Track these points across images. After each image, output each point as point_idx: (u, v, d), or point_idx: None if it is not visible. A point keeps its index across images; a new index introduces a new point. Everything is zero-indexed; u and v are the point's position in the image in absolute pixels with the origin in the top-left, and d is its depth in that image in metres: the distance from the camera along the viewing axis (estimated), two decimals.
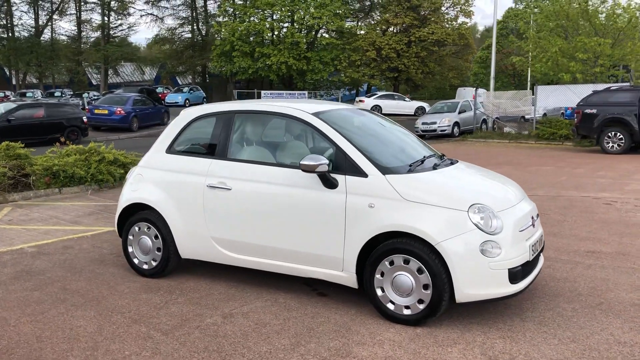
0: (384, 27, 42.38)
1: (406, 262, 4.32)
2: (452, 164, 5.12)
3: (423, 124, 24.60)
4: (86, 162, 10.84)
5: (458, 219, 4.22)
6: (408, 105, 38.26)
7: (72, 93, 45.30)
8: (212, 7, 53.35)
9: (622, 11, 20.06)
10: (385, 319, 4.47)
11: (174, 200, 5.36)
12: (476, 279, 4.17)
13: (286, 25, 42.23)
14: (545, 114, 27.10)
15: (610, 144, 17.27)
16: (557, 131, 20.73)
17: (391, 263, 4.38)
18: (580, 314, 4.58)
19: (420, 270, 4.27)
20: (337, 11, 40.85)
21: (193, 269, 5.83)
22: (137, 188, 5.63)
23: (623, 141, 17.08)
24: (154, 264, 5.57)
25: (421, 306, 4.30)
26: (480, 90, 43.60)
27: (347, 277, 4.62)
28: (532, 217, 4.71)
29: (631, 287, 5.19)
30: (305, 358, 3.88)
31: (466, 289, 4.18)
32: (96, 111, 25.16)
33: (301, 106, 5.12)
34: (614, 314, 4.58)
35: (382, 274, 4.43)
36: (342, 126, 4.89)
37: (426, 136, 24.04)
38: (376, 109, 37.39)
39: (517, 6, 58.37)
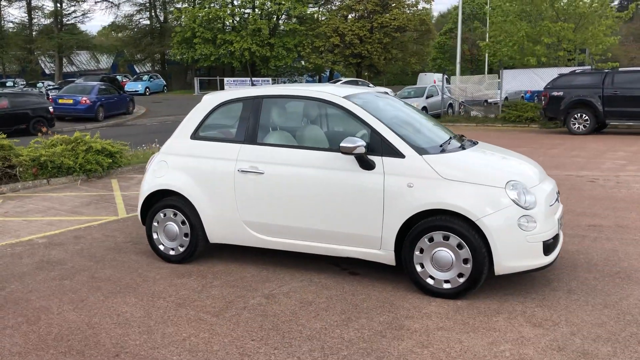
0: (346, 13, 42.51)
1: (446, 238, 4.51)
2: (475, 144, 5.33)
3: None
4: (73, 152, 10.64)
5: (496, 196, 4.44)
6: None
7: (24, 83, 43.81)
8: None
9: None
10: (424, 294, 4.66)
11: (202, 185, 5.41)
12: (514, 252, 4.40)
13: (248, 11, 41.88)
14: (507, 98, 27.80)
15: (577, 125, 17.94)
16: (523, 114, 21.35)
17: (430, 240, 4.56)
18: (602, 282, 4.88)
19: (460, 246, 4.47)
20: None
21: (218, 254, 5.90)
22: (161, 175, 5.64)
23: (588, 122, 17.77)
24: (182, 249, 5.61)
25: (461, 279, 4.51)
26: (438, 75, 44.45)
27: (385, 255, 4.78)
28: (557, 193, 4.98)
29: (636, 256, 5.52)
30: (361, 332, 4.03)
31: (505, 262, 4.40)
32: (60, 101, 24.47)
33: (330, 89, 5.24)
34: (633, 281, 4.89)
35: (422, 251, 4.61)
36: (372, 109, 5.03)
37: None
38: None
39: None
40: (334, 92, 5.16)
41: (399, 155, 4.68)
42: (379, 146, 4.74)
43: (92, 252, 6.13)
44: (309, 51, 40.60)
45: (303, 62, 41.72)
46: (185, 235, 5.57)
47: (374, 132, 4.79)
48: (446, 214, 4.52)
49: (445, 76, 43.71)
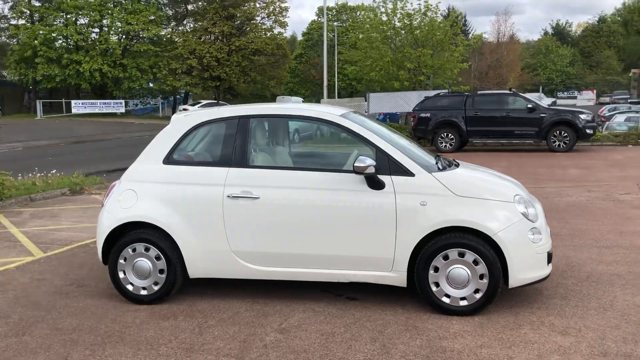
0: (201, 35, 41.87)
1: (461, 255, 4.53)
2: (458, 163, 5.44)
3: None
4: None
5: (508, 210, 4.56)
6: None
7: None
8: (1, 7, 47.61)
9: (438, 26, 22.54)
10: (439, 313, 4.61)
11: (183, 215, 4.89)
12: (526, 264, 4.55)
13: (95, 30, 39.51)
14: None
15: (444, 144, 19.27)
16: None
17: (445, 257, 4.55)
18: (583, 287, 5.21)
19: (475, 262, 4.51)
20: (151, 17, 39.32)
21: (188, 290, 5.34)
22: (129, 205, 5.01)
23: (454, 141, 19.18)
24: (156, 288, 5.01)
25: (477, 295, 4.54)
26: (298, 99, 45.51)
27: (396, 276, 4.68)
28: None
29: (595, 261, 6.00)
30: (410, 358, 3.87)
31: (519, 275, 4.52)
32: None
33: (323, 109, 5.05)
34: (607, 283, 5.29)
35: (436, 269, 4.58)
36: (370, 128, 4.93)
37: None
38: None
39: (320, 19, 61.69)
40: (330, 111, 4.99)
41: (408, 173, 4.63)
42: (386, 165, 4.64)
43: (33, 300, 5.25)
44: (165, 73, 39.24)
45: (162, 83, 40.07)
46: (161, 271, 4.99)
47: (379, 151, 4.69)
48: (460, 230, 4.54)
49: (301, 99, 44.84)
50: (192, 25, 43.42)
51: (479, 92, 19.92)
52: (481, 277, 4.52)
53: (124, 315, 4.82)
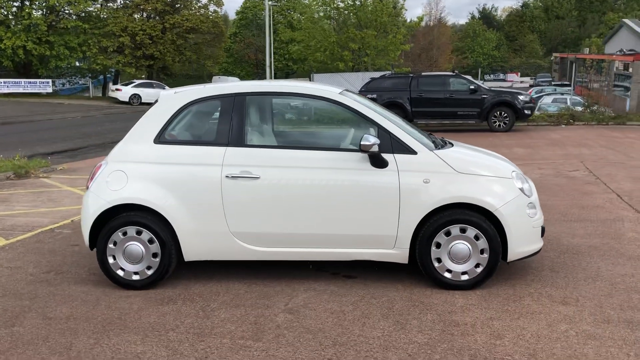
0: (133, 11, 40.24)
1: (462, 230, 4.61)
2: (452, 143, 5.47)
3: None
4: None
5: (507, 186, 4.68)
6: None
7: None
8: None
9: (382, 8, 22.70)
10: (442, 288, 4.69)
11: (178, 196, 4.72)
12: (524, 238, 4.69)
13: (16, 4, 37.17)
14: None
15: None
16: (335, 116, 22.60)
17: (447, 233, 4.62)
18: (567, 259, 5.43)
19: (477, 237, 4.61)
20: None
21: (179, 274, 5.17)
22: (119, 187, 4.77)
23: None
24: (149, 272, 4.83)
25: (478, 270, 4.65)
26: (234, 79, 44.72)
27: (399, 253, 4.71)
28: None
29: (569, 235, 6.27)
30: (428, 334, 3.92)
31: (517, 249, 4.66)
32: None
33: (320, 86, 4.97)
34: (586, 255, 5.54)
35: (438, 245, 4.64)
36: (368, 106, 4.91)
37: None
38: (135, 98, 35.61)
39: None
40: (328, 88, 4.92)
41: (411, 151, 4.65)
42: (388, 143, 4.64)
43: (11, 290, 4.94)
44: (95, 51, 37.48)
45: (93, 62, 38.24)
46: (154, 255, 4.80)
47: (381, 130, 4.68)
48: (461, 207, 4.62)
49: (237, 79, 44.09)
50: (122, 2, 41.64)
51: (423, 73, 20.23)
52: (482, 251, 4.62)
53: (118, 302, 4.62)
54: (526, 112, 18.67)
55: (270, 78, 25.97)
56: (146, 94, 35.91)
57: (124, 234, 4.79)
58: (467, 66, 73.48)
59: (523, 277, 4.97)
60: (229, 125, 4.79)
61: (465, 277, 4.67)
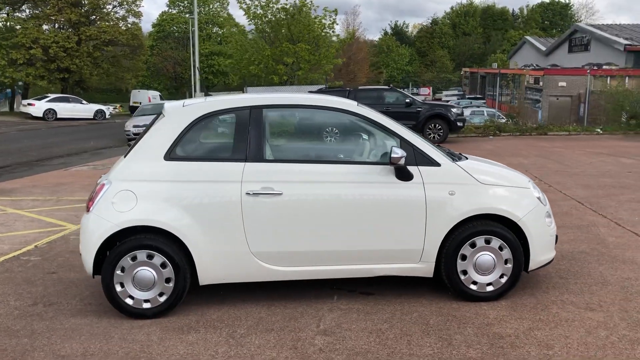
0: (43, 22, 38.11)
1: (487, 242, 4.61)
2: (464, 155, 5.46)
3: (135, 126, 23.29)
4: None
5: (528, 196, 4.74)
6: (86, 109, 35.45)
7: None
8: None
9: (314, 22, 22.84)
10: (467, 300, 4.66)
11: (194, 216, 4.41)
12: (543, 247, 4.76)
13: None
14: None
15: (329, 138, 19.59)
16: None
17: (472, 245, 4.61)
18: (568, 265, 5.57)
19: (501, 248, 4.62)
20: None
21: (185, 300, 4.84)
22: (128, 208, 4.39)
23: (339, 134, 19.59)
24: (162, 299, 4.47)
25: (503, 280, 4.66)
26: (155, 93, 43.46)
27: (424, 267, 4.64)
28: None
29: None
30: (478, 349, 3.86)
31: (538, 257, 4.73)
32: None
33: (336, 98, 4.84)
34: (582, 261, 5.72)
35: (464, 258, 4.62)
36: (387, 118, 4.83)
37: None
38: (50, 113, 33.72)
39: (171, 10, 59.42)
40: (347, 100, 4.80)
41: (435, 163, 4.61)
42: (412, 156, 4.57)
43: (1, 325, 4.42)
44: (4, 64, 35.11)
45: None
46: (167, 280, 4.46)
47: (404, 142, 4.61)
48: (485, 218, 4.63)
49: (159, 93, 42.88)
50: (30, 12, 39.34)
51: (360, 87, 20.50)
52: (506, 262, 4.64)
53: (132, 333, 4.24)
54: (459, 124, 19.34)
55: (196, 92, 25.36)
56: (62, 108, 34.12)
57: (133, 258, 4.42)
58: (382, 81, 75.38)
59: (537, 285, 5.04)
60: (246, 139, 4.54)
61: (490, 288, 4.66)
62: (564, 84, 33.35)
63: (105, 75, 40.45)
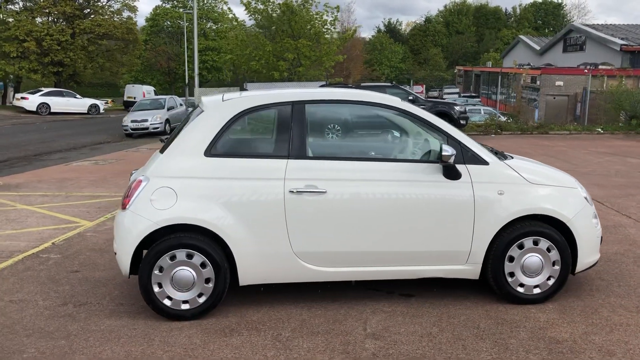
0: (37, 15, 37.59)
1: (535, 243, 4.49)
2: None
3: (133, 121, 23.09)
4: None
5: (576, 196, 4.62)
6: (80, 103, 35.07)
7: None
8: None
9: (317, 17, 22.67)
10: (514, 303, 4.53)
11: (236, 214, 4.25)
12: (590, 248, 4.64)
13: None
14: None
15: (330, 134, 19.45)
16: None
17: (520, 246, 4.48)
18: (605, 267, 5.46)
19: (549, 249, 4.50)
20: None
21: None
22: (168, 205, 4.22)
23: (340, 130, 19.46)
24: (201, 300, 4.31)
25: (550, 282, 4.54)
26: (149, 88, 43.05)
27: (470, 269, 4.51)
28: None
29: None
30: (538, 354, 3.74)
31: (585, 259, 4.61)
32: None
33: (381, 94, 4.69)
34: (619, 262, 5.61)
35: (511, 259, 4.49)
36: (430, 114, 4.68)
37: (134, 135, 22.82)
38: (44, 107, 33.33)
39: (165, 5, 58.85)
40: (390, 96, 4.66)
41: (483, 162, 4.47)
42: (459, 154, 4.43)
43: (34, 327, 4.25)
44: None
45: None
46: (207, 281, 4.30)
47: (451, 139, 4.47)
48: (533, 218, 4.50)
49: (153, 88, 42.49)
50: (24, 4, 38.77)
51: (362, 84, 20.36)
52: (553, 263, 4.52)
53: (173, 336, 4.07)
54: (462, 122, 19.24)
55: (195, 88, 25.07)
56: (56, 102, 33.73)
57: (172, 258, 4.25)
58: (375, 78, 75.27)
59: (580, 287, 4.92)
60: (288, 135, 4.39)
61: (537, 291, 4.54)
62: (561, 83, 33.44)
63: (100, 69, 39.98)
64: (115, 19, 39.51)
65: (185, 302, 4.30)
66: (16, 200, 9.11)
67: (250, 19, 22.85)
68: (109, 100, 44.85)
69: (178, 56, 54.76)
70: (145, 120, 23.01)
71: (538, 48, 51.72)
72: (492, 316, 4.33)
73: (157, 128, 22.99)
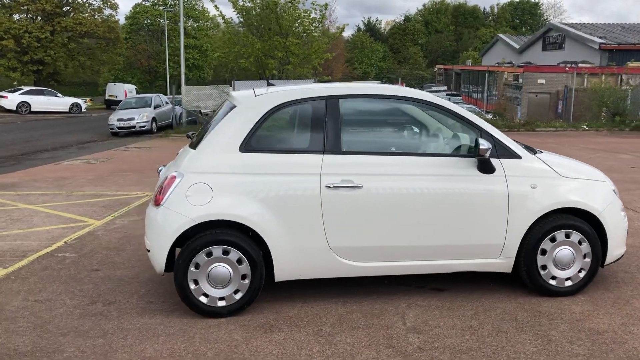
0: (14, 12, 36.89)
1: (567, 236, 4.53)
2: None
3: (119, 120, 22.73)
4: None
5: (605, 189, 4.68)
6: (61, 102, 34.44)
7: None
8: None
9: (305, 15, 22.59)
10: (545, 295, 4.57)
11: (273, 210, 4.22)
12: (619, 241, 4.71)
13: None
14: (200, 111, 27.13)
15: None
16: None
17: (552, 240, 4.52)
18: (631, 260, 5.55)
19: (580, 242, 4.55)
20: None
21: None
22: (204, 201, 4.17)
23: None
24: (237, 297, 4.27)
25: (581, 275, 4.59)
26: (131, 86, 42.58)
27: (503, 263, 4.54)
28: None
29: None
30: (582, 345, 3.78)
31: (614, 251, 4.67)
32: None
33: (410, 89, 4.69)
34: None
35: (544, 252, 4.53)
36: (464, 109, 4.70)
37: (120, 134, 22.50)
38: (24, 106, 32.71)
39: (145, 3, 58.03)
40: (420, 91, 4.67)
41: (516, 156, 4.51)
42: (493, 147, 4.45)
43: (68, 326, 4.18)
44: None
45: None
46: (243, 277, 4.26)
47: (484, 134, 4.49)
48: (564, 211, 4.54)
49: (134, 87, 41.98)
50: (0, 2, 37.98)
51: (352, 83, 20.34)
52: (584, 256, 4.57)
53: (212, 333, 4.03)
54: None
55: (182, 87, 24.76)
56: (36, 101, 33.11)
57: (208, 254, 4.20)
58: (357, 77, 75.41)
59: (604, 279, 4.98)
60: (323, 130, 4.36)
61: (569, 283, 4.59)
62: (543, 81, 33.87)
63: (81, 68, 39.36)
64: (96, 17, 38.92)
65: (221, 298, 4.26)
66: (16, 199, 8.93)
67: (237, 17, 22.67)
68: (87, 99, 44.20)
69: (158, 54, 54.20)
70: (132, 119, 22.68)
71: (517, 47, 52.32)
72: (527, 308, 4.37)
73: (144, 127, 22.68)
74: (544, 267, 4.54)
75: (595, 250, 4.56)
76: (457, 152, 4.50)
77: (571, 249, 4.54)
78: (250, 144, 4.32)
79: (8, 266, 5.58)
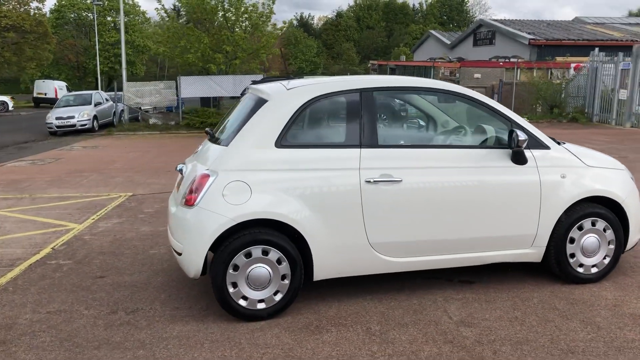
0: None
1: (593, 224, 4.63)
2: None
3: (58, 118, 21.58)
4: None
5: (625, 177, 4.81)
6: None
7: None
8: None
9: (252, 9, 22.19)
10: (573, 283, 4.65)
11: (312, 207, 4.06)
12: (638, 227, 4.85)
13: None
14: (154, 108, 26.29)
15: None
16: (206, 120, 21.44)
17: (580, 228, 4.60)
18: None
19: (605, 229, 4.66)
20: None
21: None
22: (243, 200, 3.96)
23: None
24: (277, 298, 4.10)
25: (606, 261, 4.70)
26: (61, 83, 40.65)
27: (534, 252, 4.58)
28: None
29: None
30: (631, 329, 3.86)
31: (634, 237, 4.81)
32: None
33: (446, 83, 4.64)
34: None
35: (572, 241, 4.60)
36: (494, 101, 4.70)
37: (58, 132, 21.39)
38: None
39: None
40: (453, 84, 4.62)
41: (545, 147, 4.55)
42: None
43: (98, 338, 3.87)
44: None
45: None
46: (283, 277, 4.09)
47: (515, 125, 4.51)
48: (591, 200, 4.63)
49: (65, 84, 40.15)
50: None
51: (304, 77, 20.19)
52: (609, 243, 4.68)
53: (258, 337, 3.84)
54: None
55: (123, 83, 23.79)
56: None
57: (247, 255, 4.00)
58: (292, 72, 75.23)
59: (620, 265, 5.12)
60: (359, 123, 4.24)
61: (594, 270, 4.69)
62: (479, 75, 34.93)
63: (6, 64, 37.09)
64: (21, 9, 36.77)
65: (261, 301, 4.07)
66: None
67: (182, 11, 21.97)
68: (9, 97, 41.84)
69: (87, 50, 52.02)
70: (72, 117, 21.58)
71: (449, 42, 53.62)
72: (561, 297, 4.43)
73: (85, 125, 21.62)
74: (572, 255, 4.62)
75: (618, 236, 4.67)
76: (490, 144, 4.50)
77: (597, 236, 4.64)
78: (286, 139, 4.14)
79: (0, 276, 5.13)
